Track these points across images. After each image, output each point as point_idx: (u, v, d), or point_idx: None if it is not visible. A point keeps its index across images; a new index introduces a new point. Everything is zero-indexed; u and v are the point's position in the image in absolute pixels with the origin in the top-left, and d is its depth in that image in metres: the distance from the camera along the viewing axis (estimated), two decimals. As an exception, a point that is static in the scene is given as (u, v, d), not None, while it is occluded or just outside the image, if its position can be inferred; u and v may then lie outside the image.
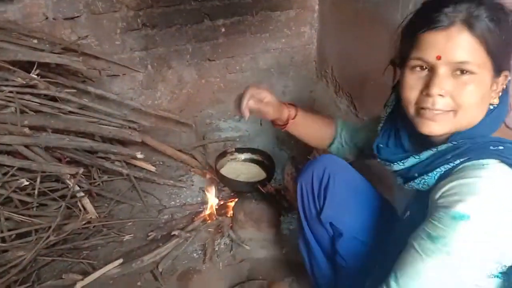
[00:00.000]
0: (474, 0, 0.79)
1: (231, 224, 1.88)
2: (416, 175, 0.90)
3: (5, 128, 1.62)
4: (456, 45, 0.79)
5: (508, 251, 0.75)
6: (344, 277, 1.23)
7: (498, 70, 0.82)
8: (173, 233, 1.79)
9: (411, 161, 0.93)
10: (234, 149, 2.12)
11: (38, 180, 1.67)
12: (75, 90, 1.86)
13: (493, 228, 0.74)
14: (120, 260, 1.66)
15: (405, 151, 0.98)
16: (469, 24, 0.78)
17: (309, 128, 1.35)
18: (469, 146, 0.83)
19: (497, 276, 0.77)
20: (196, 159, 2.21)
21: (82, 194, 1.79)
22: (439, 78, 0.81)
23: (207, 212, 1.96)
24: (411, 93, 0.86)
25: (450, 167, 0.84)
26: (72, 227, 1.70)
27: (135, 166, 2.10)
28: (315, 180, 1.24)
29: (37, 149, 1.72)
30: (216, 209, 1.97)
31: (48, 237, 1.58)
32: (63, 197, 1.74)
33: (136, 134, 1.88)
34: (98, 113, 1.90)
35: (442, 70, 0.80)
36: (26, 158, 1.69)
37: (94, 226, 1.81)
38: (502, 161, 0.78)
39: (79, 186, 1.81)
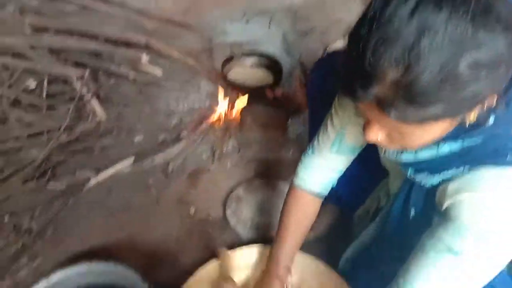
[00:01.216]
0: (384, 80, 0.56)
1: (238, 128, 1.91)
2: (425, 170, 0.78)
3: (6, 29, 1.59)
4: (386, 117, 0.60)
5: None
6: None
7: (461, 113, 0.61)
8: (182, 135, 1.82)
9: (425, 153, 0.77)
10: (241, 54, 2.08)
11: (46, 81, 1.67)
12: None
13: None
14: (132, 159, 1.72)
15: None
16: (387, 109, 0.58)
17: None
18: (484, 147, 0.69)
19: None
20: (202, 63, 2.18)
21: (90, 95, 1.79)
22: (372, 128, 0.69)
23: (215, 116, 1.97)
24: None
25: (461, 170, 0.70)
26: (82, 128, 1.73)
27: (141, 70, 2.08)
28: (328, 79, 1.22)
29: (41, 51, 1.70)
30: (223, 113, 1.98)
31: (60, 136, 1.61)
32: (71, 99, 1.76)
33: (140, 35, 1.84)
34: (100, 14, 1.84)
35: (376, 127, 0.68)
36: (30, 60, 1.67)
37: (104, 128, 1.84)
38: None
39: (86, 88, 1.81)
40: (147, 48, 1.99)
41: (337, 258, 1.21)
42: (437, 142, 0.71)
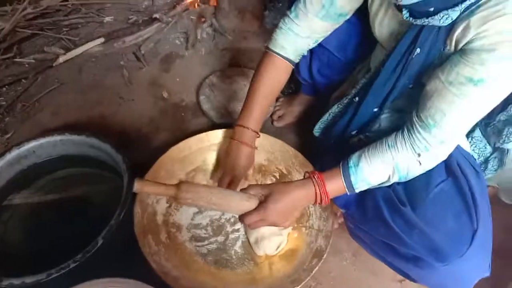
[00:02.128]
0: None
1: (214, 13, 1.84)
2: (432, 9, 0.75)
3: None
4: None
5: None
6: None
7: None
8: (154, 16, 1.75)
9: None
10: None
11: None
12: None
13: None
14: (102, 39, 1.66)
15: None
16: None
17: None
18: None
19: None
20: None
21: (56, -34, 1.67)
22: None
23: (190, -1, 1.88)
24: None
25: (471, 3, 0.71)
26: (49, 1, 1.63)
27: None
28: None
29: None
30: (199, -4, 1.90)
31: (25, 8, 1.52)
32: (34, -31, 1.63)
33: None
34: None
35: None
36: None
37: (72, 5, 1.75)
38: None
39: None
40: None
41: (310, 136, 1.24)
42: None
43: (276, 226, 0.96)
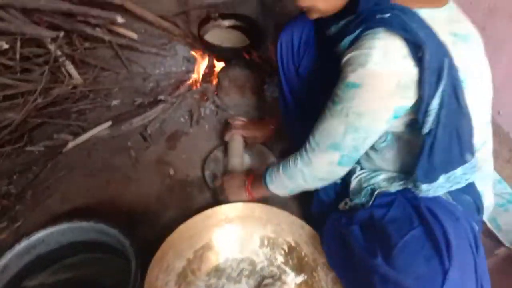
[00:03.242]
0: None
1: (215, 91, 1.92)
2: (338, 39, 0.98)
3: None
4: None
5: (401, 102, 0.86)
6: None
7: None
8: (159, 98, 1.83)
9: (333, 29, 1.03)
10: (217, 15, 2.06)
11: (18, 43, 1.63)
12: None
13: (383, 91, 0.84)
14: (109, 123, 1.72)
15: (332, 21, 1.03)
16: None
17: None
18: (365, 15, 0.87)
19: (395, 117, 0.89)
20: (178, 26, 2.15)
21: (64, 58, 1.77)
22: None
23: (192, 79, 1.98)
24: None
25: (354, 36, 0.89)
26: (58, 91, 1.71)
27: (117, 33, 2.05)
28: (295, 38, 1.27)
29: (13, 11, 1.66)
30: (201, 76, 1.99)
31: (36, 99, 1.60)
32: (46, 62, 1.73)
33: (115, -4, 1.80)
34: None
35: None
36: (2, 20, 1.63)
37: (80, 92, 1.83)
38: (388, 30, 0.81)
39: (61, 51, 1.78)
40: (122, 9, 1.95)
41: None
42: (339, 19, 0.98)
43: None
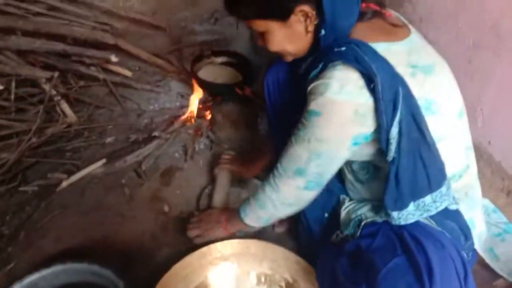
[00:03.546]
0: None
1: (209, 126, 1.94)
2: (307, 74, 1.02)
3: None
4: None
5: (360, 130, 0.90)
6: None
7: (280, 16, 0.94)
8: (153, 134, 1.84)
9: (303, 67, 1.09)
10: (210, 52, 2.11)
11: (13, 84, 1.65)
12: (41, -10, 1.78)
13: (342, 119, 0.89)
14: (104, 160, 1.73)
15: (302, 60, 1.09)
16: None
17: None
18: (326, 51, 0.93)
19: (355, 144, 0.94)
20: (172, 63, 2.19)
21: (59, 97, 1.79)
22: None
23: (186, 114, 2.00)
24: None
25: (318, 70, 0.93)
26: (53, 130, 1.72)
27: (111, 71, 2.08)
28: (280, 77, 1.32)
29: (8, 53, 1.68)
30: (194, 111, 2.01)
31: (30, 139, 1.61)
32: (41, 102, 1.75)
33: (109, 36, 1.84)
34: (68, 15, 1.83)
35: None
36: (-3, 62, 1.66)
37: (75, 130, 1.84)
38: (344, 62, 0.86)
39: (55, 90, 1.80)
40: (116, 49, 1.99)
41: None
42: (307, 57, 1.03)
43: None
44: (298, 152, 0.99)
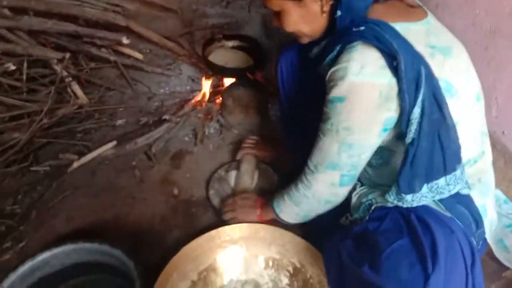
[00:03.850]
0: None
1: (220, 110, 1.94)
2: (321, 59, 1.03)
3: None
4: None
5: (388, 114, 0.88)
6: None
7: None
8: (164, 117, 1.84)
9: (315, 50, 1.10)
10: (221, 36, 2.09)
11: (25, 64, 1.66)
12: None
13: (368, 102, 0.87)
14: (114, 142, 1.73)
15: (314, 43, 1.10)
16: None
17: None
18: (342, 32, 0.92)
19: (385, 130, 0.91)
20: (183, 46, 2.18)
21: (70, 79, 1.79)
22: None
23: (197, 98, 1.99)
24: None
25: (335, 54, 0.93)
26: (64, 111, 1.73)
27: (122, 54, 2.08)
28: (294, 61, 1.32)
29: (20, 33, 1.69)
30: (205, 95, 2.01)
31: (41, 119, 1.62)
32: (52, 82, 1.75)
33: (120, 17, 1.83)
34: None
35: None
36: (9, 42, 1.66)
37: (86, 111, 1.85)
38: (363, 42, 0.85)
39: (67, 72, 1.81)
40: (127, 30, 1.98)
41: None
42: (320, 41, 1.04)
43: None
44: (327, 145, 0.97)
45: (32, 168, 1.62)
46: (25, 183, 1.59)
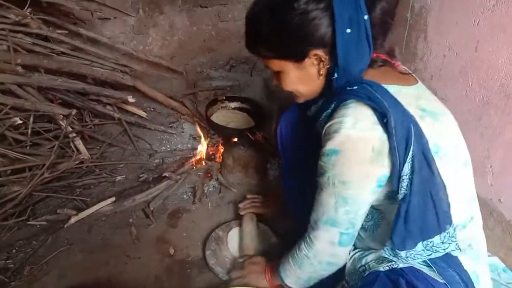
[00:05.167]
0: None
1: (220, 169, 1.96)
2: (318, 117, 1.07)
3: (-2, 66, 1.64)
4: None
5: (381, 171, 0.90)
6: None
7: (295, 58, 0.98)
8: (164, 174, 1.86)
9: (313, 108, 1.15)
10: (224, 97, 2.16)
11: (31, 119, 1.70)
12: (67, 31, 1.86)
13: (361, 156, 0.89)
14: (113, 198, 1.74)
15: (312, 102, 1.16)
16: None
17: None
18: (337, 91, 0.97)
19: (379, 186, 0.93)
20: (186, 106, 2.25)
21: (74, 134, 1.83)
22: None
23: (197, 157, 2.02)
24: None
25: (330, 110, 0.98)
26: (65, 166, 1.75)
27: (127, 111, 2.14)
28: (293, 123, 1.35)
29: (30, 89, 1.74)
30: (205, 154, 2.04)
31: (43, 174, 1.63)
32: (56, 137, 1.79)
33: (128, 77, 1.91)
34: (90, 55, 1.91)
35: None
36: (18, 97, 1.71)
37: (87, 166, 1.87)
38: (356, 100, 0.90)
39: (71, 127, 1.85)
40: (133, 89, 2.05)
41: None
42: (317, 100, 1.09)
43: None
44: (325, 199, 0.99)
45: (29, 222, 1.61)
46: (21, 237, 1.57)
